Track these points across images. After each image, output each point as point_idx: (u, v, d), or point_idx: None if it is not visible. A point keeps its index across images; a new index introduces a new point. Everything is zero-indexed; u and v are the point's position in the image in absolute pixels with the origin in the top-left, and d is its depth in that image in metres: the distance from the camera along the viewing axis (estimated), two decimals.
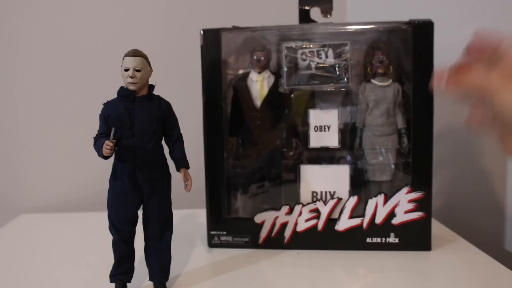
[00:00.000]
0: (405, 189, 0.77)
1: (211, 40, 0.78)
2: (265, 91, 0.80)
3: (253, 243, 0.80)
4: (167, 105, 0.64)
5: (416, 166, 0.76)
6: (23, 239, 0.92)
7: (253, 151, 0.82)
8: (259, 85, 0.80)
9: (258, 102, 0.80)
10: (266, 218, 0.80)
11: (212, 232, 0.82)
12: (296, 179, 0.81)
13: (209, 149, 0.79)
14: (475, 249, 0.78)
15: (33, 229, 0.99)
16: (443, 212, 1.01)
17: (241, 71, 0.81)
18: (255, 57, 0.79)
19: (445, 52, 1.02)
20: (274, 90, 0.80)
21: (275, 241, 0.80)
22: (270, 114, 0.81)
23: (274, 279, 0.69)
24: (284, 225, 0.80)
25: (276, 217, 0.80)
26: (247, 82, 0.80)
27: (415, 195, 0.76)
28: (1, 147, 1.13)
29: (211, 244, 0.82)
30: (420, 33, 0.74)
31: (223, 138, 0.80)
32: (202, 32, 0.78)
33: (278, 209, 0.80)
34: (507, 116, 0.45)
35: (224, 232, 0.81)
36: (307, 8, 0.80)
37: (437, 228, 0.89)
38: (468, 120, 0.50)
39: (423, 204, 0.76)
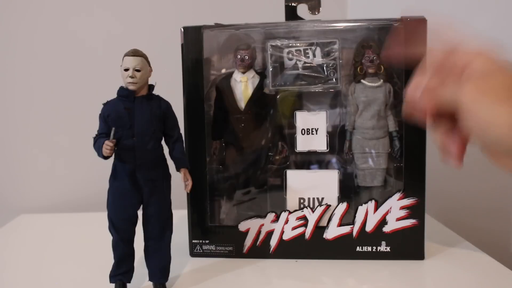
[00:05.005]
0: (397, 195, 0.74)
1: (192, 38, 0.75)
2: (250, 92, 0.77)
3: (237, 253, 0.77)
4: (167, 105, 0.64)
5: (408, 171, 0.74)
6: (23, 239, 0.93)
7: (238, 155, 0.79)
8: (243, 86, 0.76)
9: (242, 104, 0.77)
10: (251, 226, 0.77)
11: (194, 241, 0.78)
12: (282, 185, 0.78)
13: (191, 153, 0.75)
14: (479, 252, 0.78)
15: (33, 229, 1.00)
16: (445, 214, 1.00)
17: (224, 71, 0.78)
18: (239, 56, 0.76)
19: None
20: (259, 91, 0.77)
21: (261, 250, 0.77)
22: (255, 116, 0.77)
23: None
24: (269, 234, 0.77)
25: (262, 225, 0.76)
26: (230, 82, 0.77)
27: (407, 201, 0.73)
28: (1, 147, 1.15)
29: (193, 254, 0.78)
30: (413, 31, 0.71)
31: (205, 142, 0.77)
32: (182, 29, 0.75)
33: (264, 216, 0.76)
34: (488, 136, 0.42)
35: (207, 241, 0.78)
36: (294, 4, 0.77)
37: (439, 230, 0.89)
38: (444, 156, 0.46)
39: (415, 211, 0.73)
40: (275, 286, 0.69)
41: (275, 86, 0.76)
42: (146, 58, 0.61)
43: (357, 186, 0.77)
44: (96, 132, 0.62)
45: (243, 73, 0.76)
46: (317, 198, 0.76)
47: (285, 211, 0.76)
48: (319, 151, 0.77)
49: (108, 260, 0.64)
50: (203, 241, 0.78)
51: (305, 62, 0.75)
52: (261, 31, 0.76)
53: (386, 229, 0.74)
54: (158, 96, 0.64)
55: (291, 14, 0.77)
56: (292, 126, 0.77)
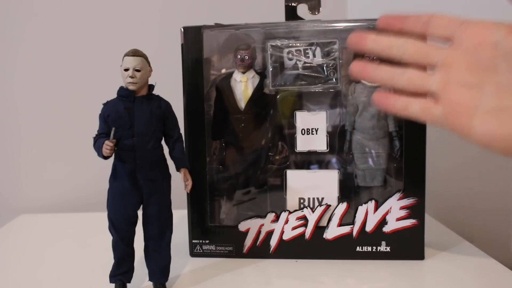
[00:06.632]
0: (397, 195, 0.74)
1: (192, 38, 0.75)
2: (250, 92, 0.76)
3: (237, 253, 0.77)
4: (167, 105, 0.64)
5: (408, 171, 0.73)
6: (23, 239, 0.93)
7: (238, 155, 0.79)
8: (243, 86, 0.76)
9: (242, 104, 0.77)
10: (251, 226, 0.77)
11: (194, 241, 0.78)
12: (282, 185, 0.78)
13: (191, 153, 0.75)
14: (479, 252, 0.78)
15: (33, 229, 1.00)
16: (445, 214, 1.00)
17: (224, 71, 0.78)
18: (239, 56, 0.76)
19: None
20: (259, 91, 0.77)
21: (261, 250, 0.77)
22: (255, 116, 0.77)
23: None
24: (270, 234, 0.76)
25: (262, 225, 0.76)
26: (230, 82, 0.77)
27: (407, 201, 0.73)
28: (1, 148, 1.15)
29: (193, 254, 0.78)
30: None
31: (205, 142, 0.76)
32: (182, 29, 0.75)
33: (264, 216, 0.76)
34: (492, 150, 0.41)
35: (207, 241, 0.78)
36: (293, 4, 0.77)
37: (439, 230, 0.89)
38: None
39: (415, 211, 0.73)
40: (275, 286, 0.68)
41: (275, 86, 0.76)
42: (146, 58, 0.61)
43: (357, 186, 0.77)
44: (96, 132, 0.62)
45: (243, 73, 0.76)
46: (317, 198, 0.76)
47: (285, 211, 0.76)
48: (319, 151, 0.77)
49: (108, 260, 0.64)
50: (203, 241, 0.78)
51: (305, 62, 0.75)
52: (261, 31, 0.76)
53: (386, 229, 0.74)
54: (158, 96, 0.64)
55: (291, 14, 0.77)
56: (292, 126, 0.77)
